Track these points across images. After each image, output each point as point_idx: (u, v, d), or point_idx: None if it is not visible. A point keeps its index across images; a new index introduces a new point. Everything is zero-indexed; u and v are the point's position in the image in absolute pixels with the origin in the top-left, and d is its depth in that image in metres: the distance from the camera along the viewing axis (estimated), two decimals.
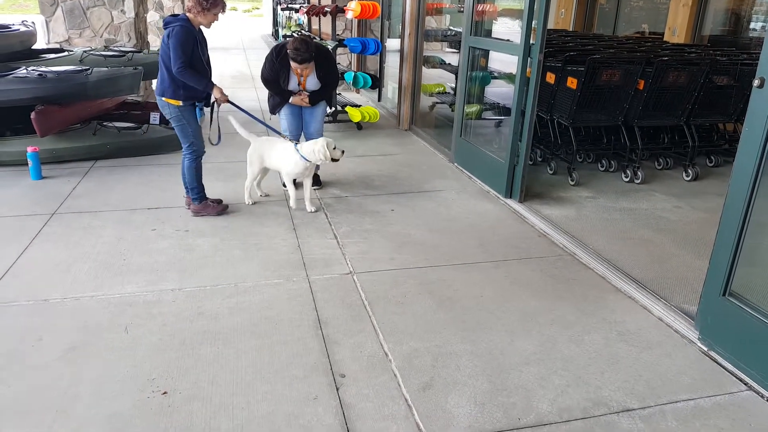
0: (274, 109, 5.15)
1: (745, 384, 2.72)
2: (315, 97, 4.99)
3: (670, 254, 4.07)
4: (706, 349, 2.96)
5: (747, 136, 2.72)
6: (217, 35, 18.71)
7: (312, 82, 4.94)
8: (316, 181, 5.31)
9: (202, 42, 4.30)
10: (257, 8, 42.33)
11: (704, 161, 6.16)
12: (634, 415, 2.50)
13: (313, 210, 4.63)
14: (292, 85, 4.96)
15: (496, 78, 6.98)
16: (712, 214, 4.64)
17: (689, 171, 5.70)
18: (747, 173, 2.70)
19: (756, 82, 2.63)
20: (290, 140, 4.71)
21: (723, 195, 2.87)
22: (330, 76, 5.03)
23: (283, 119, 5.19)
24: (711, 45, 7.80)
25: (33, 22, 7.19)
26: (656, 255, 4.04)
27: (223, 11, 4.34)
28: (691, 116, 5.80)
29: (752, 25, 8.35)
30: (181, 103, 4.28)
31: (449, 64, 8.83)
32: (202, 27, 4.27)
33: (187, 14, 4.20)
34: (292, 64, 4.71)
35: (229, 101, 4.40)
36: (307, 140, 5.27)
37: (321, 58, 4.89)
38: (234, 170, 5.47)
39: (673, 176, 5.80)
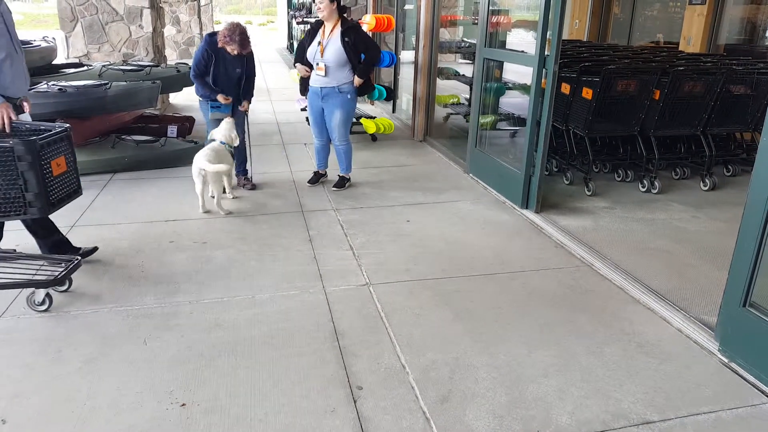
0: (301, 89, 5.48)
1: (767, 396, 2.68)
2: (367, 73, 5.24)
3: (689, 265, 4.03)
4: (726, 360, 2.92)
5: (765, 145, 2.69)
6: None
7: (332, 51, 5.04)
8: (339, 183, 5.49)
9: (226, 61, 5.06)
10: (272, 21, 42.74)
11: (722, 171, 6.10)
12: (654, 427, 2.47)
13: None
14: (311, 51, 5.15)
15: (510, 89, 6.99)
16: (730, 224, 4.59)
17: (707, 181, 5.65)
18: (766, 182, 2.68)
19: None
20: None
21: (741, 204, 2.85)
22: (363, 44, 5.16)
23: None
24: (727, 54, 7.75)
25: (53, 38, 7.32)
26: (675, 266, 4.00)
27: (243, 50, 4.99)
28: (708, 125, 5.76)
29: None
30: (200, 98, 5.26)
31: (463, 75, 8.85)
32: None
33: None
34: None
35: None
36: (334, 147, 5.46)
37: (349, 27, 5.11)
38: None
39: (691, 186, 5.75)
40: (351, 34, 5.02)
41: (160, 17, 8.80)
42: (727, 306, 2.95)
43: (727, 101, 5.72)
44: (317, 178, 5.63)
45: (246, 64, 5.20)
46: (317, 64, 5.09)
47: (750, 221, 2.78)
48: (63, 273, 3.30)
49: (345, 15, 5.17)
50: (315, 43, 5.11)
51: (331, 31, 5.05)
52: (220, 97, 5.06)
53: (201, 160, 4.61)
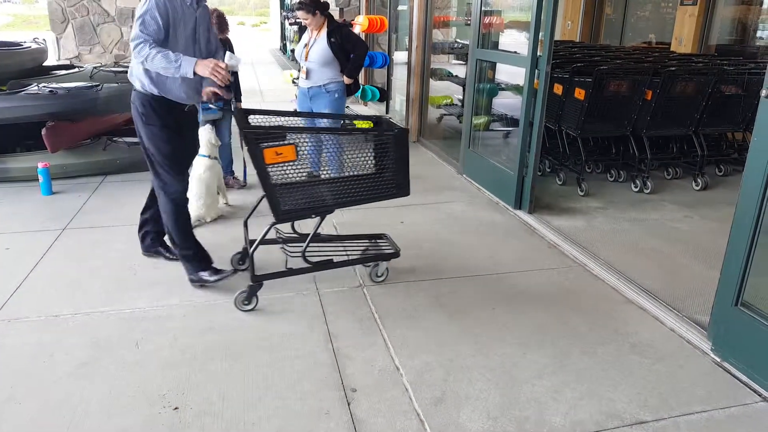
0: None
1: (759, 395, 2.69)
2: (356, 71, 5.25)
3: (681, 264, 4.04)
4: (719, 359, 2.93)
5: (756, 145, 2.71)
6: None
7: (317, 51, 5.04)
8: None
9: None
10: (265, 22, 42.68)
11: (713, 170, 6.14)
12: (647, 427, 2.47)
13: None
14: (298, 52, 5.21)
15: (503, 89, 7.00)
16: (722, 224, 4.60)
17: (699, 180, 5.68)
18: (757, 182, 2.69)
19: (764, 92, 2.63)
20: None
21: (733, 204, 2.86)
22: (349, 43, 5.14)
23: None
24: (718, 54, 7.79)
25: (44, 39, 7.29)
26: (667, 265, 4.02)
27: (221, 34, 4.93)
28: (700, 126, 5.78)
29: (759, 34, 8.34)
30: None
31: (456, 76, 8.86)
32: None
33: None
34: (298, 13, 5.02)
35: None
36: None
37: (335, 27, 5.10)
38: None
39: (683, 186, 5.78)
40: (337, 34, 5.05)
41: None
42: (719, 305, 2.96)
43: (719, 101, 5.75)
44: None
45: (227, 50, 5.18)
46: (301, 67, 5.14)
47: (742, 220, 2.80)
48: (397, 247, 3.71)
49: (330, 14, 5.18)
50: (302, 45, 5.14)
51: (318, 32, 5.06)
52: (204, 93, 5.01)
53: (192, 203, 4.46)
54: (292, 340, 3.06)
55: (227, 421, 2.46)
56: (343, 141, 3.47)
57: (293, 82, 5.76)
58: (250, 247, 3.46)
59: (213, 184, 4.65)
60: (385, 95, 8.86)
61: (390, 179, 3.46)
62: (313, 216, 3.39)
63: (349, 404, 2.58)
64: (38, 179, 5.22)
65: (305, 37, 5.18)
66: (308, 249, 3.40)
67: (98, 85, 5.83)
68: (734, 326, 2.87)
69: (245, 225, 3.77)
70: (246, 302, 3.34)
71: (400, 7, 9.01)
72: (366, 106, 9.91)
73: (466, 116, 5.88)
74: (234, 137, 5.40)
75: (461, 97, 7.79)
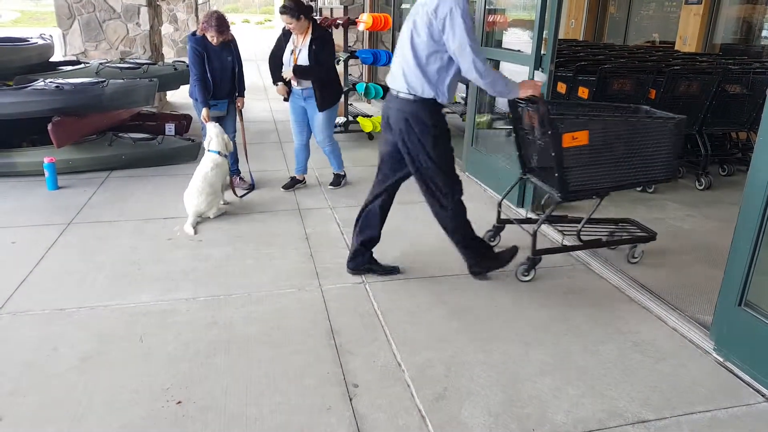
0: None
1: (762, 395, 2.69)
2: (302, 74, 4.99)
3: (684, 264, 4.04)
4: (722, 359, 2.93)
5: (761, 145, 2.71)
6: None
7: (304, 58, 4.98)
8: (335, 181, 5.56)
9: (216, 53, 5.00)
10: (269, 20, 42.71)
11: (717, 170, 6.12)
12: (649, 426, 2.48)
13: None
14: (286, 58, 5.08)
15: None
16: (725, 224, 4.60)
17: (702, 180, 5.67)
18: (762, 182, 2.69)
19: None
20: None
21: (737, 204, 2.86)
22: (321, 54, 5.00)
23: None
24: (722, 54, 7.77)
25: (50, 35, 7.31)
26: (669, 265, 4.01)
27: (220, 35, 4.91)
28: (704, 125, 5.77)
29: (764, 33, 8.32)
30: (194, 100, 5.12)
31: None
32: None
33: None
34: (282, 17, 4.89)
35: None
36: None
37: (318, 35, 4.99)
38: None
39: (686, 185, 5.77)
40: (316, 43, 4.95)
41: (157, 15, 8.78)
42: (722, 305, 2.96)
43: (723, 101, 5.74)
44: (293, 184, 5.50)
45: (233, 51, 5.16)
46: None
47: (746, 220, 2.79)
48: (652, 231, 4.00)
49: (314, 19, 5.10)
50: (288, 51, 5.05)
51: (304, 37, 4.99)
52: (204, 112, 4.92)
53: (193, 200, 4.56)
54: (294, 335, 3.07)
55: (229, 416, 2.47)
56: (627, 127, 3.64)
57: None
58: (502, 225, 4.12)
59: (217, 181, 4.66)
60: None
61: (664, 163, 3.66)
62: (593, 197, 3.66)
63: (350, 400, 2.59)
64: (44, 174, 5.24)
65: (290, 44, 5.05)
66: (568, 229, 3.82)
67: (104, 81, 5.85)
68: (737, 326, 2.87)
69: (499, 205, 4.21)
70: (526, 273, 3.67)
71: (403, 5, 9.01)
72: (369, 103, 9.92)
73: (469, 114, 5.88)
74: (237, 134, 5.42)
75: (464, 95, 7.79)
